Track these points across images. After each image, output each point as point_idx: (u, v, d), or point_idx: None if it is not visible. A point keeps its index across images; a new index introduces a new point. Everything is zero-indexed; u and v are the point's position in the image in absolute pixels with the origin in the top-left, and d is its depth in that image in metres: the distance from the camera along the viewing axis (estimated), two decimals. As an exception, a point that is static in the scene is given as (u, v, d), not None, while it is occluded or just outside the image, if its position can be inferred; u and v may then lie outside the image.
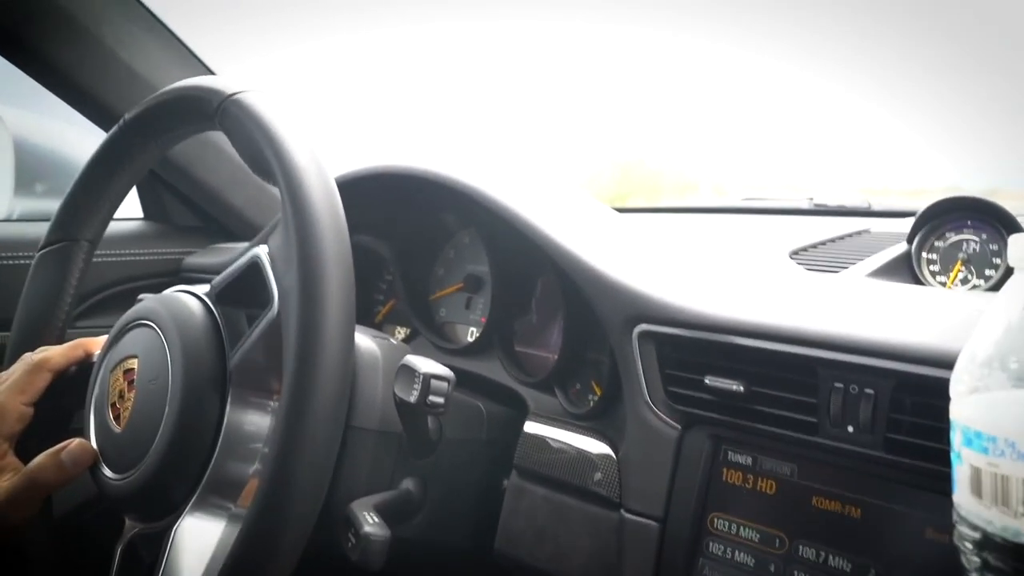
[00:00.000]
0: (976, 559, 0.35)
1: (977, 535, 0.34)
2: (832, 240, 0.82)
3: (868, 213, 0.99)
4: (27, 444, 0.59)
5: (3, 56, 0.87)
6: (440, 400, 0.54)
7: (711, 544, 0.55)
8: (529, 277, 0.77)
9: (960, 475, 0.35)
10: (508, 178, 0.74)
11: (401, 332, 0.88)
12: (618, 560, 0.58)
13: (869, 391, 0.49)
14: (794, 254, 0.78)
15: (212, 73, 1.00)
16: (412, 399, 0.54)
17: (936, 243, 0.72)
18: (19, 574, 0.64)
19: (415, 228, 0.86)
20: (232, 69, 1.01)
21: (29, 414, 0.60)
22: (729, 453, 0.56)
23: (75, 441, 0.58)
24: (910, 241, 0.73)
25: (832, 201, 1.03)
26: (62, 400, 0.62)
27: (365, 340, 0.64)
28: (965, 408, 0.35)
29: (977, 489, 0.34)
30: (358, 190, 0.81)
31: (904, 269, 0.72)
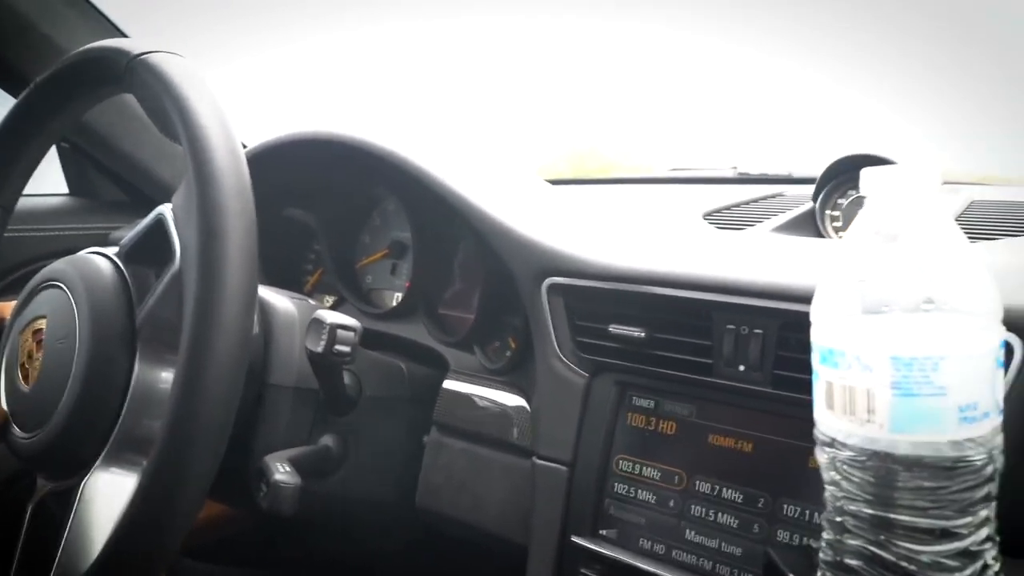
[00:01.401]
0: (833, 473, 0.37)
1: (832, 448, 0.36)
2: (746, 203, 0.85)
3: (788, 180, 1.01)
4: None
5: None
6: (346, 349, 0.55)
7: (616, 485, 0.57)
8: (451, 241, 0.78)
9: (816, 392, 0.37)
10: (433, 145, 0.75)
11: (329, 300, 0.89)
12: (531, 505, 0.60)
13: (758, 331, 0.51)
14: (707, 215, 0.81)
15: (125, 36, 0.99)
16: (320, 349, 0.55)
17: (839, 200, 0.75)
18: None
19: (341, 197, 0.86)
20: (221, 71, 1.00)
21: None
22: (633, 398, 0.58)
23: None
24: (815, 199, 0.76)
25: (755, 170, 1.06)
26: None
27: (283, 300, 0.65)
28: (820, 329, 0.37)
29: (830, 402, 0.36)
30: (284, 159, 0.81)
31: (808, 225, 0.75)
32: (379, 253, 0.85)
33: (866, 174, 0.37)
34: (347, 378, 0.64)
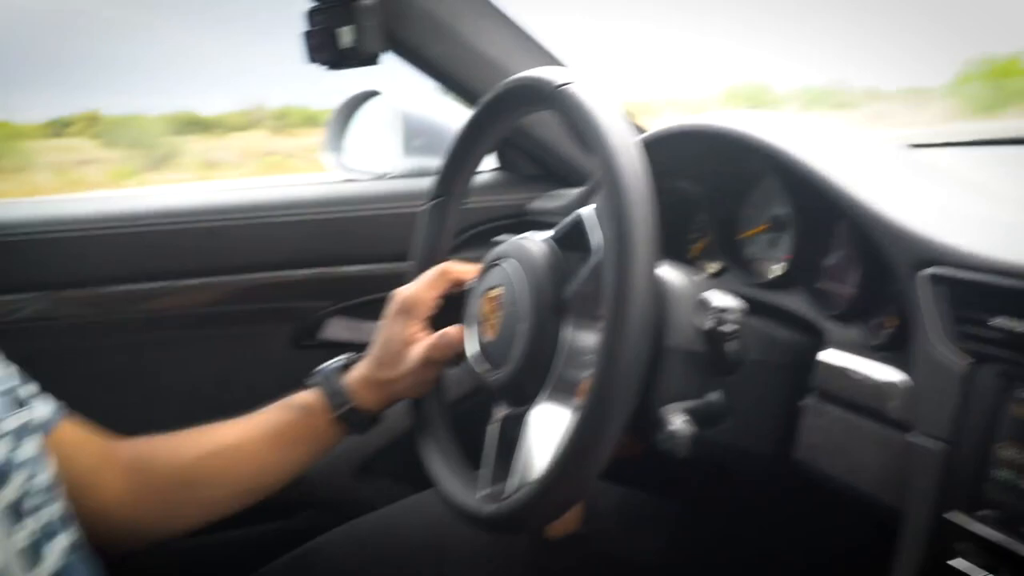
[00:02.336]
0: None
1: None
2: None
3: None
4: (434, 327, 0.84)
5: (394, 54, 1.12)
6: (727, 329, 0.65)
7: (996, 471, 0.59)
8: (829, 218, 0.83)
9: None
10: (805, 131, 0.80)
11: (713, 267, 0.98)
12: (908, 478, 0.65)
13: None
14: None
15: (552, 57, 1.19)
16: (706, 327, 0.66)
17: None
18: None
19: (725, 174, 0.95)
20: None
21: (435, 306, 0.84)
22: (1019, 390, 0.59)
23: (450, 330, 0.81)
24: None
25: None
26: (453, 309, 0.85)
27: (677, 276, 0.77)
28: None
29: None
30: (677, 141, 0.92)
31: None
32: (760, 227, 0.92)
33: None
34: (727, 345, 0.73)
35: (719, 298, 0.67)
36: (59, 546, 0.64)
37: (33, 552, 0.62)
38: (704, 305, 0.68)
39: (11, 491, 0.61)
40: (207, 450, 0.83)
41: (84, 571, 0.67)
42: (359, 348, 0.89)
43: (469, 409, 0.90)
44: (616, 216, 0.62)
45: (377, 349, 0.85)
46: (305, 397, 0.86)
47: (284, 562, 0.95)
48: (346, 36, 1.04)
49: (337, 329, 1.24)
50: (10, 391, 0.71)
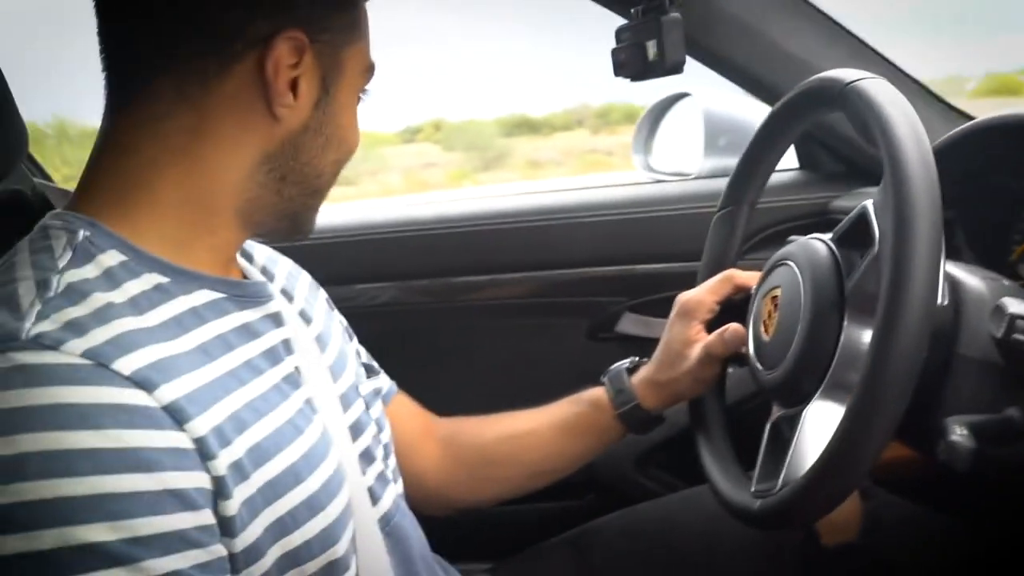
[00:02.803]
0: None
1: None
2: None
3: None
4: (710, 330, 0.88)
5: (697, 60, 1.16)
6: (1022, 338, 0.61)
7: None
8: None
9: None
10: None
11: (1037, 273, 0.89)
12: None
13: None
14: None
15: (869, 49, 1.16)
16: (999, 335, 0.62)
17: None
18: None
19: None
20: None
21: (716, 309, 0.89)
22: None
23: (731, 326, 0.85)
24: None
25: None
26: (732, 314, 0.88)
27: (973, 279, 0.73)
28: None
29: None
30: (997, 135, 0.86)
31: None
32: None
33: None
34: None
35: (1017, 304, 0.63)
36: (393, 493, 0.79)
37: (375, 492, 0.74)
38: (999, 311, 0.64)
39: (364, 440, 0.77)
40: (507, 434, 0.95)
41: (407, 519, 0.81)
42: (651, 343, 0.96)
43: (750, 410, 0.92)
44: (896, 206, 0.61)
45: (659, 351, 0.92)
46: (594, 393, 0.94)
47: (566, 538, 1.05)
48: (652, 49, 1.11)
49: (631, 324, 1.32)
50: (367, 363, 0.89)
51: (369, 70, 0.69)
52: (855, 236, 0.73)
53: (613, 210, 1.34)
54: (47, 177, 1.31)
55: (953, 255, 0.92)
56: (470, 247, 1.35)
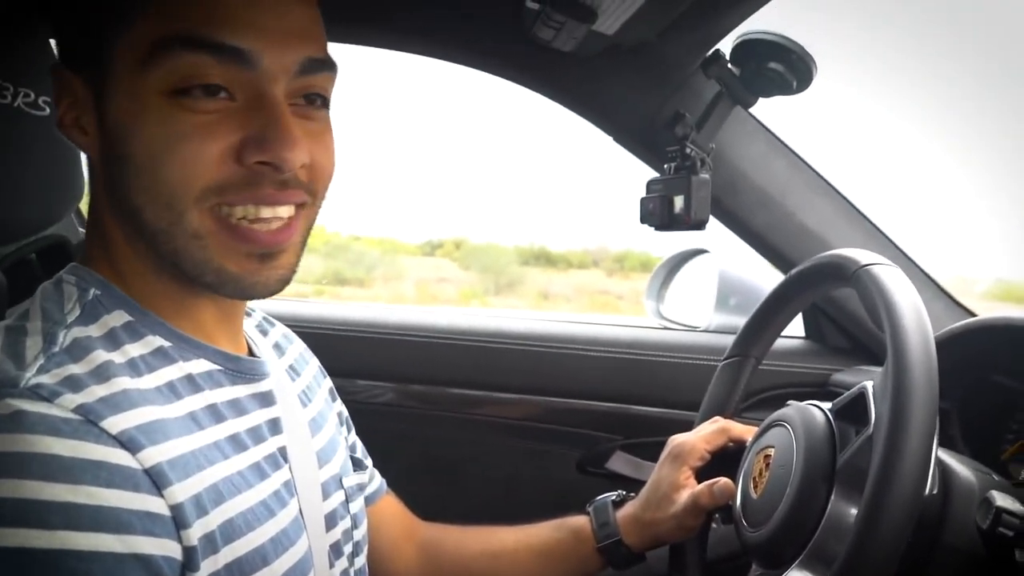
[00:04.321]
0: None
1: None
2: None
3: None
4: (700, 478, 0.87)
5: (719, 221, 1.22)
6: (1008, 533, 0.61)
7: None
8: None
9: None
10: None
11: (1025, 474, 0.90)
12: None
13: None
14: None
15: (877, 231, 1.22)
16: (984, 526, 0.63)
17: None
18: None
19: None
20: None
21: (707, 458, 0.89)
22: None
23: (722, 480, 0.84)
24: None
25: None
26: (723, 464, 0.88)
27: (964, 470, 0.74)
28: None
29: None
30: (993, 334, 0.89)
31: None
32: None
33: None
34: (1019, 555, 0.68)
35: (1004, 499, 0.64)
36: None
37: None
38: (987, 503, 0.65)
39: (336, 533, 0.76)
40: (489, 551, 0.94)
41: None
42: (638, 484, 0.96)
43: (731, 569, 0.91)
44: (895, 395, 0.63)
45: (647, 489, 0.92)
46: (578, 522, 0.94)
47: None
48: (679, 203, 1.17)
49: (621, 463, 1.32)
50: (358, 457, 0.90)
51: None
52: (853, 412, 0.75)
53: (618, 348, 1.36)
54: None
55: (947, 444, 0.93)
56: (474, 362, 1.37)
